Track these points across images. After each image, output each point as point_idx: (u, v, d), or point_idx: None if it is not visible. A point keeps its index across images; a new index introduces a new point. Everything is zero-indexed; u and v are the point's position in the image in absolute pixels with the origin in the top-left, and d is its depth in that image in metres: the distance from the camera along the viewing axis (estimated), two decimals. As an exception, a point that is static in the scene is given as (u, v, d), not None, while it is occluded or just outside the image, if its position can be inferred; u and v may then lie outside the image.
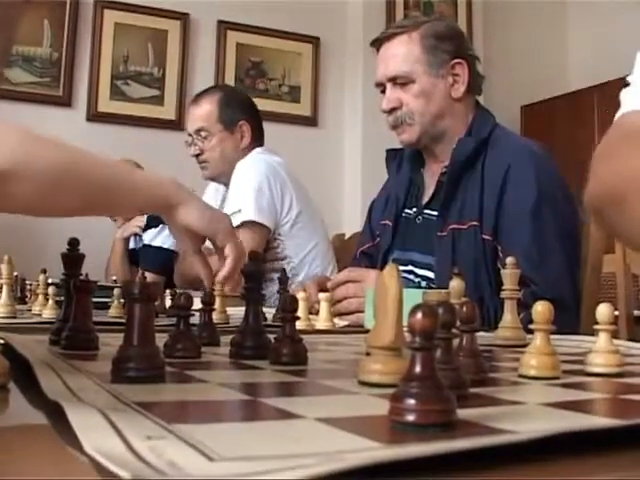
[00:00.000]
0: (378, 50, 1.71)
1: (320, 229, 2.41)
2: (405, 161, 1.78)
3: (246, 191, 2.18)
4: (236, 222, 2.13)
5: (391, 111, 1.67)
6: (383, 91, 1.70)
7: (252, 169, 2.25)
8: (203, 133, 2.37)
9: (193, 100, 2.45)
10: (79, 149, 0.75)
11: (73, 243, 0.72)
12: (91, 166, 0.76)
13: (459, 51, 1.67)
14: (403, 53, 1.65)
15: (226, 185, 2.39)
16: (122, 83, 3.72)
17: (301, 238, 2.28)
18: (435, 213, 1.64)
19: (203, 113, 2.38)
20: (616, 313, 1.77)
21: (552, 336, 0.83)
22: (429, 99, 1.65)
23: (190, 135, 2.42)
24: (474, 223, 1.55)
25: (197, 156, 2.41)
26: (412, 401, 0.35)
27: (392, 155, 1.83)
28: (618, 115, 0.93)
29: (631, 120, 0.89)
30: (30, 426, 0.39)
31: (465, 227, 1.56)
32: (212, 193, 2.57)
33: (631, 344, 0.87)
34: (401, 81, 1.65)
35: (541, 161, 1.57)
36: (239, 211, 2.15)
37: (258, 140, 2.40)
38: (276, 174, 2.25)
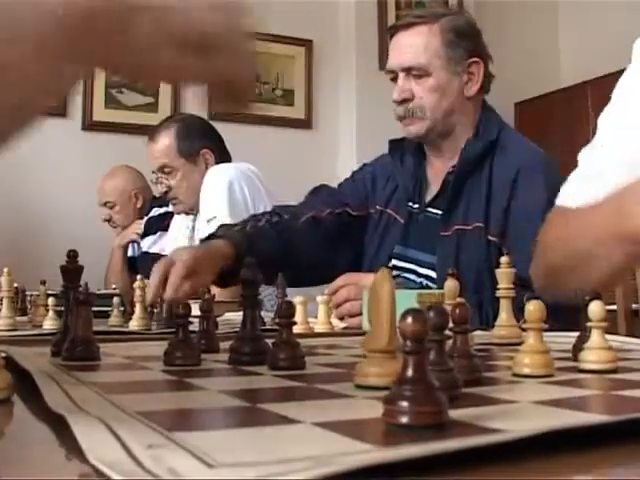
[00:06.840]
0: (391, 37, 1.68)
1: None
2: (408, 155, 1.75)
3: (218, 196, 2.16)
4: (214, 228, 2.14)
5: (402, 102, 1.64)
6: (393, 79, 1.66)
7: (219, 175, 2.22)
8: (167, 169, 2.33)
9: (150, 137, 2.38)
10: None
11: (72, 255, 0.73)
12: None
13: (476, 49, 1.65)
14: (422, 44, 1.61)
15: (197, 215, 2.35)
16: (117, 91, 3.73)
17: None
18: (439, 212, 1.62)
19: (162, 149, 2.33)
20: (615, 308, 1.77)
21: (549, 333, 0.84)
22: (443, 95, 1.62)
23: (154, 172, 2.38)
24: (479, 224, 1.54)
25: (166, 193, 2.37)
26: (405, 403, 0.36)
27: (395, 146, 1.79)
28: (559, 201, 1.03)
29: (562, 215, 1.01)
30: (34, 438, 0.40)
31: (470, 228, 1.56)
32: (181, 221, 2.52)
33: (626, 339, 0.88)
34: (416, 73, 1.62)
35: (549, 167, 1.58)
36: (214, 217, 2.14)
37: (225, 162, 2.35)
38: (245, 177, 2.22)
